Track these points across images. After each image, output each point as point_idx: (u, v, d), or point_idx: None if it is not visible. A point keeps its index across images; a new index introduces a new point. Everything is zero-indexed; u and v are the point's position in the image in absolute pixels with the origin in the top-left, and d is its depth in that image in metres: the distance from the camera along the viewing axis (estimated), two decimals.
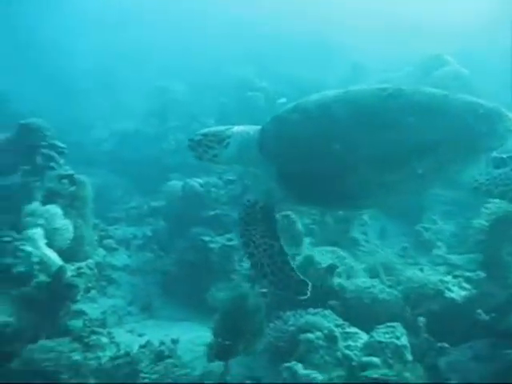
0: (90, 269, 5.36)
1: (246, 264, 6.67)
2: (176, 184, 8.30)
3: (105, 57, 20.70)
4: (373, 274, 5.91)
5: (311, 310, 4.61)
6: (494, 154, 3.53)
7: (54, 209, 5.38)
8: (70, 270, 5.21)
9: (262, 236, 3.81)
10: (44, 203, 5.54)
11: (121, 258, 8.12)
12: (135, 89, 18.72)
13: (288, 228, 6.11)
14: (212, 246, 6.75)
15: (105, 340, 4.99)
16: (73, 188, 5.91)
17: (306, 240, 6.52)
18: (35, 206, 5.36)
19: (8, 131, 6.03)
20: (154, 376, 3.99)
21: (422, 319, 4.76)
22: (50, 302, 5.15)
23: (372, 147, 3.39)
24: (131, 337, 6.18)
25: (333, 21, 22.34)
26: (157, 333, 6.29)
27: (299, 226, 6.26)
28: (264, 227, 3.84)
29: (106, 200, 9.65)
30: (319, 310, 4.63)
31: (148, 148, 12.00)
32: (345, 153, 3.42)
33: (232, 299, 3.99)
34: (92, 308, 6.37)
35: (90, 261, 5.47)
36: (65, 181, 5.87)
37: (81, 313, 5.93)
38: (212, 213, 7.51)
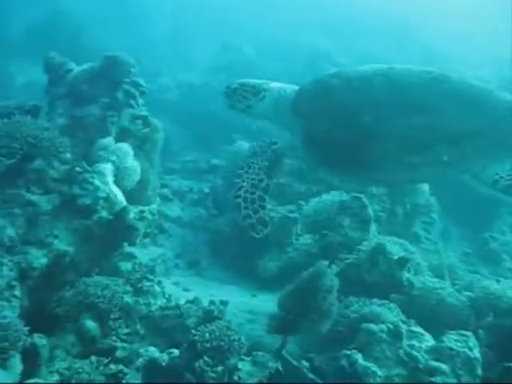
0: (152, 214, 5.28)
1: (304, 239, 6.49)
2: (242, 145, 8.09)
3: (180, 14, 20.70)
4: (436, 273, 5.62)
5: (376, 301, 4.40)
6: None
7: (126, 147, 5.27)
8: (133, 212, 5.13)
9: (259, 168, 4.05)
10: (116, 140, 5.45)
11: (174, 210, 8.08)
12: (205, 45, 18.64)
13: (358, 211, 5.86)
14: (272, 214, 6.55)
15: (157, 289, 4.91)
16: (146, 130, 5.79)
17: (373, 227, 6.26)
18: (109, 141, 5.27)
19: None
20: (206, 335, 3.86)
21: (481, 332, 4.49)
22: (108, 239, 5.11)
23: (402, 126, 3.39)
24: (176, 289, 6.13)
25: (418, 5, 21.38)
26: (202, 291, 6.23)
27: (370, 210, 5.99)
28: (266, 164, 4.07)
29: (164, 149, 9.59)
30: (385, 301, 4.40)
31: (213, 103, 11.80)
32: (374, 126, 3.44)
33: (308, 274, 3.81)
34: (142, 253, 6.35)
35: (152, 206, 5.38)
36: (139, 121, 5.75)
37: (131, 256, 5.92)
38: (275, 181, 7.29)
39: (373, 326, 3.94)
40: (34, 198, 4.71)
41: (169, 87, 13.62)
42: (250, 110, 4.11)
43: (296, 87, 4.04)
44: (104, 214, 5.03)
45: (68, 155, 4.72)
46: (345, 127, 3.56)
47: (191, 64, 16.82)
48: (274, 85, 4.13)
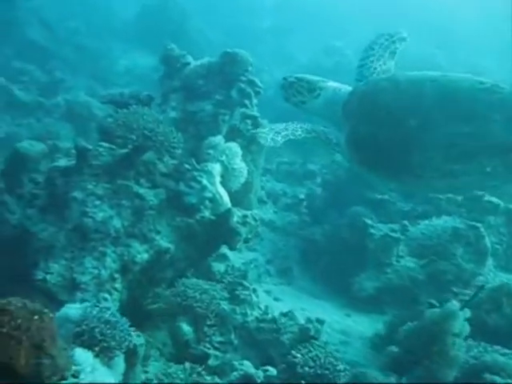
0: (255, 220, 5.10)
1: (404, 261, 6.09)
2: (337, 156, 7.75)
3: (282, 9, 20.56)
4: None
5: (499, 348, 3.95)
6: None
7: (236, 148, 5.14)
8: (237, 215, 4.98)
9: None
10: (226, 139, 5.33)
11: (267, 213, 7.91)
12: (306, 43, 18.41)
13: (474, 241, 5.37)
14: (372, 231, 6.20)
15: (254, 298, 4.74)
16: (255, 131, 5.62)
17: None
18: (219, 139, 5.16)
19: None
20: (310, 361, 3.62)
21: None
22: (208, 240, 5.01)
23: (448, 133, 3.36)
24: (267, 298, 5.96)
25: None
26: (293, 302, 6.02)
27: (487, 242, 5.48)
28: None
29: None
30: (509, 352, 3.94)
31: None
32: (420, 131, 3.41)
33: (436, 314, 3.46)
34: (235, 255, 6.23)
35: (255, 211, 5.21)
36: (248, 121, 5.59)
37: (224, 257, 5.82)
38: (379, 197, 6.92)
39: (498, 380, 3.50)
40: (141, 191, 4.69)
41: (269, 85, 13.45)
42: (304, 105, 4.25)
43: (350, 88, 4.09)
44: (207, 213, 4.94)
45: (179, 151, 4.63)
46: (389, 129, 3.58)
47: (291, 61, 16.65)
48: (331, 84, 4.21)
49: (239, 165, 5.14)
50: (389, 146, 3.58)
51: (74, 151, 4.84)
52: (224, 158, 4.97)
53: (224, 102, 5.34)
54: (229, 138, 5.42)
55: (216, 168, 4.90)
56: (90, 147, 4.67)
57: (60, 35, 14.55)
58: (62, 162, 4.87)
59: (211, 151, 5.05)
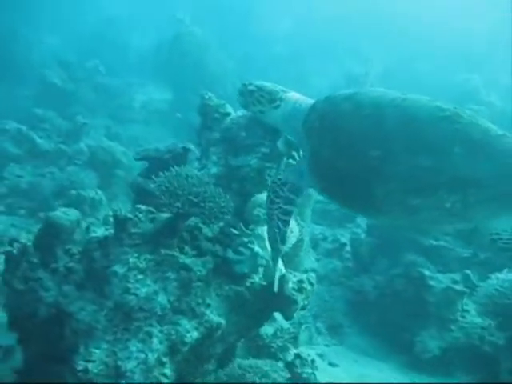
0: (311, 284, 4.65)
1: (470, 317, 5.56)
2: None
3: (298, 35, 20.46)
4: None
5: None
6: None
7: None
8: (292, 281, 4.53)
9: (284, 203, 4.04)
10: None
11: (308, 260, 7.44)
12: (324, 69, 18.20)
13: None
14: (431, 283, 5.70)
15: (318, 378, 4.26)
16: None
17: None
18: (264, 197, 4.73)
19: None
20: None
21: None
22: (260, 308, 4.56)
23: (408, 165, 3.30)
24: (322, 364, 5.47)
25: None
26: (349, 366, 5.54)
27: None
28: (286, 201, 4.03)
29: None
30: None
31: None
32: (381, 162, 3.35)
33: None
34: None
35: (311, 274, 4.76)
36: None
37: (272, 319, 5.37)
38: (434, 243, 6.43)
39: None
40: (188, 261, 4.28)
41: None
42: (262, 114, 4.22)
43: (310, 102, 3.97)
44: (257, 279, 4.52)
45: (228, 217, 4.22)
46: (350, 158, 3.50)
47: (312, 88, 16.36)
48: (292, 95, 4.12)
49: (291, 224, 4.70)
50: (350, 176, 3.51)
51: (111, 219, 4.46)
52: None
53: (270, 155, 4.93)
54: None
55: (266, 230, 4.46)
56: (130, 216, 4.28)
57: (78, 75, 14.44)
58: (99, 232, 4.49)
59: (259, 211, 4.63)
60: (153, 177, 4.23)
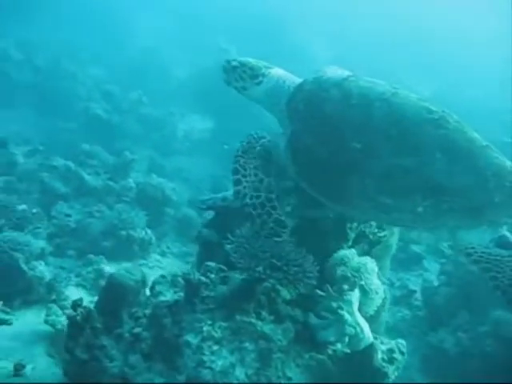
0: (402, 354, 4.16)
1: None
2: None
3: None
4: None
5: None
6: (505, 231, 3.37)
7: (371, 263, 4.26)
8: (381, 350, 4.06)
9: (254, 167, 3.91)
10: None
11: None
12: None
13: None
14: None
15: None
16: (381, 234, 4.76)
17: None
18: (350, 254, 4.31)
19: None
20: None
21: None
22: (344, 380, 4.08)
23: (388, 164, 3.26)
24: None
25: None
26: None
27: None
28: (260, 162, 3.93)
29: None
30: None
31: None
32: (362, 155, 3.30)
33: None
34: None
35: (401, 341, 4.27)
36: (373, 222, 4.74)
37: None
38: None
39: None
40: (266, 328, 3.87)
41: None
42: (245, 91, 4.13)
43: (298, 80, 3.92)
44: (340, 346, 4.06)
45: (314, 282, 3.80)
46: (331, 147, 3.46)
47: None
48: (275, 71, 4.08)
49: (376, 284, 4.25)
50: (328, 164, 3.48)
51: (181, 280, 4.11)
52: (362, 279, 4.09)
53: None
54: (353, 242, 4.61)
55: (355, 294, 4.02)
56: (203, 279, 3.91)
57: (122, 107, 14.44)
58: (168, 295, 4.13)
59: (343, 270, 4.19)
60: (229, 236, 3.85)
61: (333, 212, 4.36)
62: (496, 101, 15.05)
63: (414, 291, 7.16)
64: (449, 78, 18.49)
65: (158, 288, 4.33)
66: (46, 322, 5.79)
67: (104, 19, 22.14)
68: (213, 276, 4.11)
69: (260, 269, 3.64)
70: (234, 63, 4.14)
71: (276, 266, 3.66)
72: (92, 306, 4.86)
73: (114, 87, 15.78)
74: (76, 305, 3.95)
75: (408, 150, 3.26)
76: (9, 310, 6.17)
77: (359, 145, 3.35)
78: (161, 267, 8.62)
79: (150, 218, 8.78)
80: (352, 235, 4.57)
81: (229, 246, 3.77)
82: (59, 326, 5.61)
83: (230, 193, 5.00)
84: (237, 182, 3.92)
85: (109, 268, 7.80)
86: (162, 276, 4.45)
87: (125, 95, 15.31)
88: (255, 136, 4.08)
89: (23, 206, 7.80)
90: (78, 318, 3.88)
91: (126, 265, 8.34)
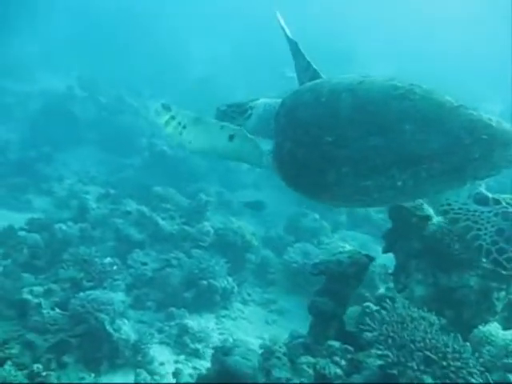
0: None
1: None
2: None
3: None
4: None
5: None
6: (482, 188, 3.36)
7: None
8: None
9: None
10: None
11: None
12: None
13: None
14: None
15: None
16: None
17: None
18: (494, 330, 3.69)
19: None
20: None
21: None
22: None
23: (361, 148, 3.34)
24: None
25: None
26: None
27: None
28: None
29: None
30: None
31: None
32: (335, 147, 3.43)
33: None
34: None
35: None
36: None
37: None
38: None
39: None
40: None
41: None
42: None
43: (280, 100, 4.06)
44: None
45: (481, 380, 3.18)
46: (307, 147, 3.58)
47: None
48: (260, 101, 4.24)
49: None
50: (307, 164, 3.59)
51: (309, 370, 3.59)
52: None
53: (496, 272, 3.88)
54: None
55: None
56: (339, 372, 3.37)
57: None
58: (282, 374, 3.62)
59: (489, 349, 3.56)
60: (369, 323, 3.30)
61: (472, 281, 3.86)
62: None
63: None
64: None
65: (275, 373, 3.83)
66: None
67: (162, 50, 22.41)
68: (337, 358, 3.59)
69: (413, 364, 3.06)
70: (222, 108, 4.31)
71: (432, 359, 3.08)
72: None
73: None
74: None
75: (375, 129, 3.31)
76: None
77: (331, 138, 3.43)
78: (244, 318, 8.17)
79: (229, 264, 8.36)
80: (499, 306, 3.93)
81: (369, 335, 3.22)
82: None
83: (344, 256, 4.49)
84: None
85: (192, 322, 7.43)
86: (277, 357, 3.96)
87: None
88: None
89: (108, 259, 7.58)
90: None
91: (209, 316, 7.97)
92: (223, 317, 7.99)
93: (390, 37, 25.74)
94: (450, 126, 3.22)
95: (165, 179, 12.29)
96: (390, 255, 4.56)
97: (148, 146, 14.13)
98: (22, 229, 9.63)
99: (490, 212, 3.28)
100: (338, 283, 4.40)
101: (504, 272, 3.31)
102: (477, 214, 3.29)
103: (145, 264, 8.43)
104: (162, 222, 8.95)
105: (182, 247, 8.74)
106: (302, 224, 10.59)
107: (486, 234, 3.23)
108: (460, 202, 3.32)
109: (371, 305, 4.48)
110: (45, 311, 6.66)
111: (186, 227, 8.99)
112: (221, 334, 7.60)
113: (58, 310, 6.69)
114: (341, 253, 4.54)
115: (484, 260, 3.32)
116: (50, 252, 8.88)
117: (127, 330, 6.52)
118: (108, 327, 6.30)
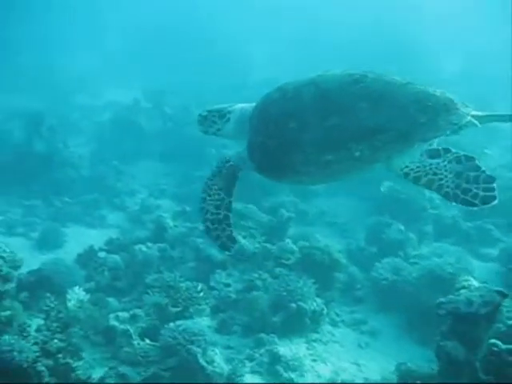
0: None
1: None
2: None
3: None
4: None
5: None
6: (434, 145, 3.81)
7: None
8: None
9: (219, 188, 4.47)
10: None
11: None
12: None
13: None
14: None
15: None
16: None
17: None
18: None
19: None
20: None
21: None
22: None
23: (322, 129, 3.80)
24: None
25: None
26: None
27: None
28: (224, 183, 4.47)
29: None
30: None
31: None
32: (297, 132, 3.88)
33: None
34: None
35: None
36: None
37: None
38: None
39: None
40: None
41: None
42: (220, 132, 4.62)
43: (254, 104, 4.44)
44: None
45: None
46: (276, 137, 4.01)
47: None
48: (238, 106, 4.58)
49: None
50: (277, 152, 4.01)
51: None
52: None
53: None
54: None
55: None
56: None
57: None
58: None
59: None
60: None
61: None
62: None
63: None
64: None
65: None
66: None
67: (222, 56, 22.32)
68: None
69: None
70: (203, 113, 4.63)
71: None
72: None
73: None
74: None
75: (333, 111, 3.77)
76: None
77: (295, 124, 3.87)
78: (335, 341, 7.79)
79: (317, 285, 8.00)
80: None
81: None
82: None
83: (475, 294, 4.02)
84: (202, 201, 4.45)
85: (283, 349, 7.13)
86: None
87: None
88: (223, 159, 4.53)
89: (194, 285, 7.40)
90: None
91: (299, 341, 7.65)
92: (314, 341, 7.64)
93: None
94: (399, 99, 3.73)
95: (237, 190, 12.05)
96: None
97: (217, 156, 13.94)
98: (101, 249, 9.70)
99: (444, 161, 3.64)
100: (466, 324, 3.96)
101: (475, 208, 3.50)
102: (433, 166, 3.65)
103: (228, 285, 8.21)
104: (243, 241, 8.69)
105: (266, 266, 8.45)
106: (385, 235, 10.04)
107: (447, 181, 3.56)
108: (416, 161, 3.69)
109: (498, 342, 4.00)
110: (135, 342, 6.55)
111: (268, 245, 8.69)
112: (313, 360, 7.25)
113: (147, 341, 6.56)
114: (468, 289, 4.08)
115: (454, 204, 3.57)
116: (130, 273, 8.86)
117: (220, 361, 6.30)
118: (201, 360, 6.09)
